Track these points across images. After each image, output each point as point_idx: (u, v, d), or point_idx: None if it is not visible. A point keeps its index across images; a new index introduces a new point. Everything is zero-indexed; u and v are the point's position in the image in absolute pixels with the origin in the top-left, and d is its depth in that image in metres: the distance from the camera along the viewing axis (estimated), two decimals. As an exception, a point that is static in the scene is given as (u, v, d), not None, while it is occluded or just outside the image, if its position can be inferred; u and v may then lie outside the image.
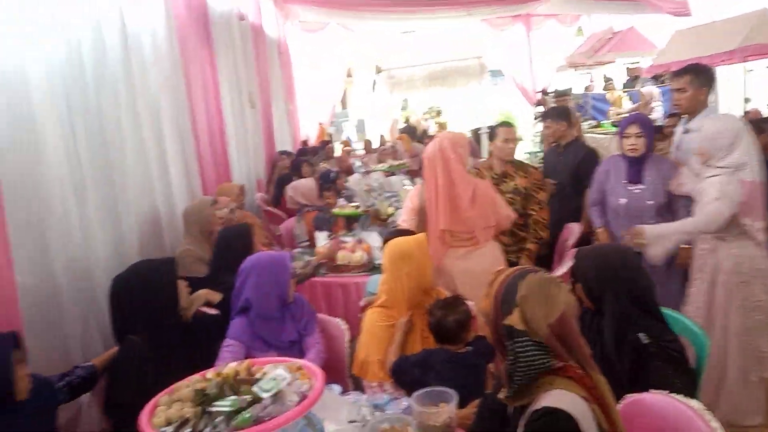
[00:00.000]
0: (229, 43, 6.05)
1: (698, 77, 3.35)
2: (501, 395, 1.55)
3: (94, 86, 3.06)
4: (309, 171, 5.93)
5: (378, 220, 4.18)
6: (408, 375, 2.22)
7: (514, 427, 1.52)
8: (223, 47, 5.81)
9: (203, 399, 1.55)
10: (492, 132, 3.81)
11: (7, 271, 2.26)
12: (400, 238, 2.58)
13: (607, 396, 1.48)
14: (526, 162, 3.95)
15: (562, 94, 8.90)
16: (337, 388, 2.11)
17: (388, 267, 2.47)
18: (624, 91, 9.94)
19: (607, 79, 11.12)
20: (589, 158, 4.25)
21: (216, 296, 2.73)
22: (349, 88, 15.64)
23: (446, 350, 2.26)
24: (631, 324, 1.98)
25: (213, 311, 2.70)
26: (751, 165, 2.83)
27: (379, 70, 11.92)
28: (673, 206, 3.28)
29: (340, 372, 2.61)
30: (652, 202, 3.27)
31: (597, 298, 2.06)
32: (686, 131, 3.46)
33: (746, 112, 6.14)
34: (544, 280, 1.50)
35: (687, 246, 3.12)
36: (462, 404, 1.93)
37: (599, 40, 8.32)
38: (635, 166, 3.33)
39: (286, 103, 9.20)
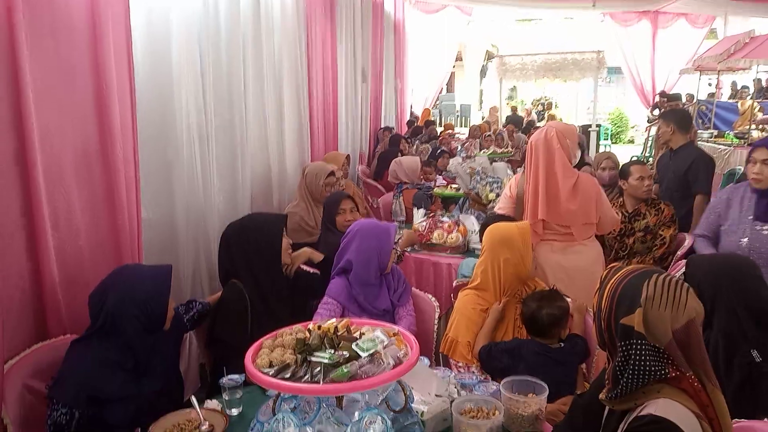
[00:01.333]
0: (350, 16, 6.18)
1: None
2: (601, 395, 1.49)
3: (226, 42, 3.23)
4: (407, 148, 5.95)
5: (478, 204, 4.13)
6: (497, 361, 2.21)
7: (610, 431, 1.47)
8: (345, 19, 5.94)
9: (304, 348, 1.61)
10: (624, 170, 3.66)
11: (135, 205, 2.44)
12: (503, 222, 2.54)
13: (725, 417, 1.36)
14: (658, 199, 3.74)
15: (671, 98, 8.31)
16: (426, 360, 2.13)
17: (487, 250, 2.44)
18: (758, 102, 9.16)
19: (741, 87, 10.30)
20: (700, 162, 3.94)
21: (318, 256, 2.82)
22: (458, 72, 15.49)
23: (539, 342, 2.21)
24: (745, 339, 1.85)
25: (314, 270, 2.80)
26: None
27: (490, 57, 11.70)
28: None
29: (427, 346, 2.63)
30: None
31: (708, 308, 1.93)
32: None
33: None
34: (673, 282, 1.40)
35: None
36: (549, 400, 1.89)
37: (735, 44, 7.64)
38: (767, 199, 2.74)
39: (396, 81, 9.27)
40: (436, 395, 1.90)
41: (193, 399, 1.85)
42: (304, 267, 2.77)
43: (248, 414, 1.90)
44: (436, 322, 2.71)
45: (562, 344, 2.24)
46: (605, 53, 10.05)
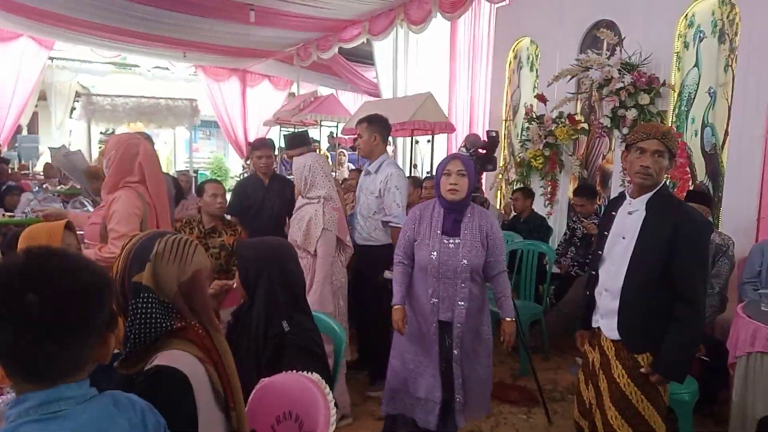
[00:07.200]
0: None
1: (371, 125, 3.77)
2: (115, 365, 1.46)
3: None
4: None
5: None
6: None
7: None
8: None
9: None
10: (200, 188, 3.84)
11: None
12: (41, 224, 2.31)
13: (227, 358, 1.49)
14: (234, 222, 4.01)
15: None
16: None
17: None
18: (329, 152, 10.97)
19: (313, 141, 12.09)
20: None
21: None
22: (44, 113, 13.88)
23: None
24: (279, 310, 2.06)
25: None
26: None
27: (79, 96, 10.89)
28: None
29: None
30: None
31: (253, 284, 2.09)
32: (366, 173, 3.86)
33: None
34: (182, 240, 1.49)
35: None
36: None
37: (304, 101, 9.09)
38: (453, 215, 2.90)
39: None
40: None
41: None
42: None
43: None
44: None
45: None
46: (199, 102, 10.49)
